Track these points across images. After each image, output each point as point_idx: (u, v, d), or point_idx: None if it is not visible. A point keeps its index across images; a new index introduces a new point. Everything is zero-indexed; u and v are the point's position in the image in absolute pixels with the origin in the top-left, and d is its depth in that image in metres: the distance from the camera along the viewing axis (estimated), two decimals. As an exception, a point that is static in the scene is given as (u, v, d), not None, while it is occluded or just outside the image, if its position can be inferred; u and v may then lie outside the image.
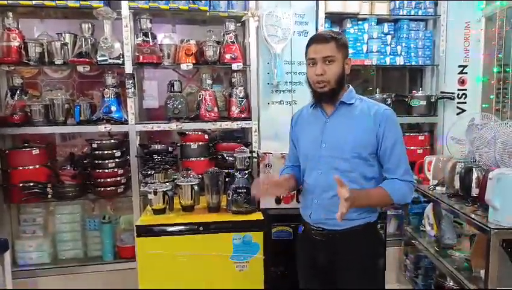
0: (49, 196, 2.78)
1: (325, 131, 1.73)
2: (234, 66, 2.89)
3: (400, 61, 3.20)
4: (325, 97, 1.71)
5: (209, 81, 2.96)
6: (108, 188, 2.84)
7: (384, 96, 3.16)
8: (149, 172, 2.58)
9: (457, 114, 3.23)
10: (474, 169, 2.27)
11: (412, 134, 3.28)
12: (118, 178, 2.86)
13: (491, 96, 3.24)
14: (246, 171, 2.43)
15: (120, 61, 2.79)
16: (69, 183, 2.81)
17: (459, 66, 3.22)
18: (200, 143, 2.91)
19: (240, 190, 2.38)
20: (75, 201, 2.96)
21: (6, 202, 2.85)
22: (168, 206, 2.41)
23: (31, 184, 2.74)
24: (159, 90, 3.21)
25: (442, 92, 3.21)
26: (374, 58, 3.16)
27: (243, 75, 3.02)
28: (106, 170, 2.82)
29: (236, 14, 2.93)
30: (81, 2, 2.70)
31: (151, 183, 2.47)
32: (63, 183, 2.81)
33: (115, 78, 2.88)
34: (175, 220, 2.32)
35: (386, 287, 2.39)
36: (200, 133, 2.95)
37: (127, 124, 2.83)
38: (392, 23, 3.27)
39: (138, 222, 2.30)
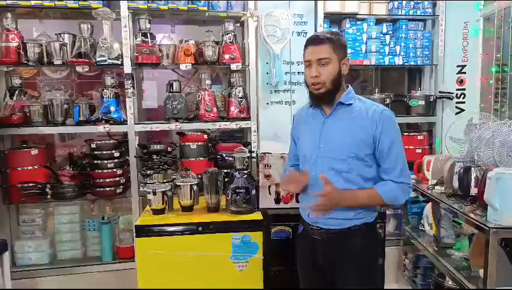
0: (48, 197, 2.78)
1: (323, 131, 1.73)
2: (233, 66, 2.89)
3: (398, 61, 3.20)
4: (321, 98, 1.71)
5: (208, 82, 2.96)
6: (108, 189, 2.84)
7: (383, 96, 3.16)
8: (148, 172, 2.59)
9: (456, 114, 3.24)
10: (473, 169, 2.28)
11: (410, 134, 3.29)
12: (117, 178, 2.86)
13: (490, 96, 3.25)
14: (245, 172, 2.42)
15: (119, 62, 2.79)
16: (68, 184, 2.80)
17: (458, 66, 3.23)
18: (199, 143, 2.91)
19: (239, 190, 2.37)
20: (74, 201, 2.96)
21: (5, 202, 2.84)
22: (167, 207, 2.40)
23: (30, 184, 2.73)
24: (158, 90, 3.22)
25: (440, 92, 3.22)
26: (373, 58, 3.16)
27: (242, 75, 3.02)
28: (105, 170, 2.82)
29: (235, 15, 2.93)
30: (80, 3, 2.70)
31: (151, 183, 2.47)
32: (62, 183, 2.79)
33: (114, 79, 2.89)
34: (174, 220, 2.31)
35: (385, 287, 2.40)
36: (199, 133, 2.95)
37: (126, 124, 2.83)
38: (391, 23, 3.27)
39: (137, 222, 2.30)
